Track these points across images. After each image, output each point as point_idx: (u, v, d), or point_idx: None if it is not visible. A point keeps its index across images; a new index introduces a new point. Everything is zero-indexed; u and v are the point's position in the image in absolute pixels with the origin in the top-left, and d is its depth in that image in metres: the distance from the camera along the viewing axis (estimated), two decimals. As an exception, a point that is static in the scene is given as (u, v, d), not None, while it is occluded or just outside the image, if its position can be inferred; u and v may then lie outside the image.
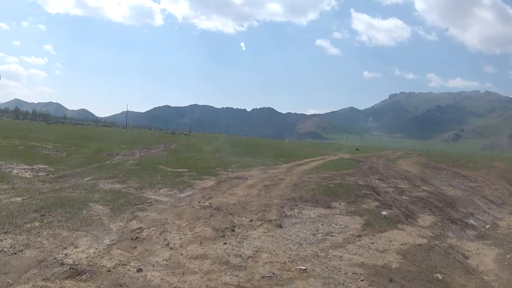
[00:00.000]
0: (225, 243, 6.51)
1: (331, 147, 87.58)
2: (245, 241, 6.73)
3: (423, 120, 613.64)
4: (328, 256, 6.39)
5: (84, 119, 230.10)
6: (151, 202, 9.19)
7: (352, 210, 10.44)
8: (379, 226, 8.85)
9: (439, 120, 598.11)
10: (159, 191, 10.84)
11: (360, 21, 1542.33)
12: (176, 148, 33.00)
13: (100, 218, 7.38)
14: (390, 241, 7.78)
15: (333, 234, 7.87)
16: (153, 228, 7.01)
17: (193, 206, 9.01)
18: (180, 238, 6.62)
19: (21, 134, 31.57)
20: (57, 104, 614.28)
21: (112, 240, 6.19)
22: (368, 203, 11.79)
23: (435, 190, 15.56)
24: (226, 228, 7.37)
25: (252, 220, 8.21)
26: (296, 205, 10.46)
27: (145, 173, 14.28)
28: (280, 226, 8.03)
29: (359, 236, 7.93)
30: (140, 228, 6.98)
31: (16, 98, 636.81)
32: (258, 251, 6.28)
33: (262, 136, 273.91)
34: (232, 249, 6.27)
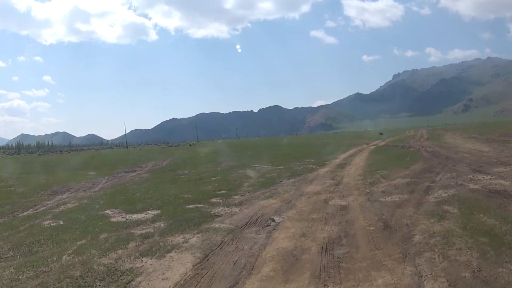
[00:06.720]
0: None
1: (351, 136, 78.78)
2: None
3: (430, 96, 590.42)
4: None
5: (91, 144, 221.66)
6: None
7: None
8: None
9: (446, 93, 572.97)
10: None
11: (351, 6, 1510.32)
12: (168, 164, 25.22)
13: None
14: None
15: None
16: None
17: None
18: None
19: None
20: (64, 133, 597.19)
21: None
22: None
23: None
24: None
25: None
26: None
27: (53, 240, 6.57)
28: None
29: None
30: None
31: (22, 133, 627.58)
32: None
33: (273, 135, 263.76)
34: None
